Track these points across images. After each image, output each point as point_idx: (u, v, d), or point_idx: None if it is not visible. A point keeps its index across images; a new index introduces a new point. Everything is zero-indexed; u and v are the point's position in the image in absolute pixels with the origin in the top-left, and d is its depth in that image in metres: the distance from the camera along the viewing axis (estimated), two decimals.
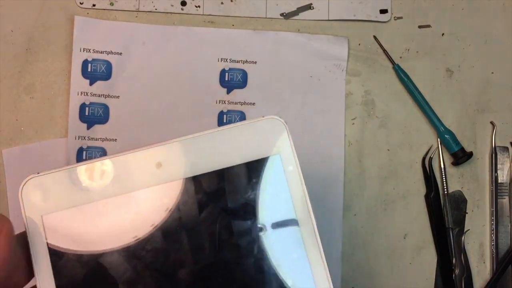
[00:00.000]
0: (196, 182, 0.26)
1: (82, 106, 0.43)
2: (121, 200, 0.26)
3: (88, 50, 0.44)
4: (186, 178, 0.26)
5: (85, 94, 0.43)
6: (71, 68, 0.43)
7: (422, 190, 0.45)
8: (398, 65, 0.45)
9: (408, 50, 0.46)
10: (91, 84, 0.43)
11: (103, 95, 0.43)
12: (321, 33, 0.45)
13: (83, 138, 0.43)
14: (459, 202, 0.45)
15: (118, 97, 0.44)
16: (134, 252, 0.25)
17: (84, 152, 0.43)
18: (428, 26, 0.46)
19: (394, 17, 0.46)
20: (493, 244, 0.44)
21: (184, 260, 0.25)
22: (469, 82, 0.46)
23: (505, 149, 0.45)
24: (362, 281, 0.43)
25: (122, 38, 0.44)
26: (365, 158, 0.45)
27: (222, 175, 0.26)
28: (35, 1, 0.44)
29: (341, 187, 0.44)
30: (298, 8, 0.45)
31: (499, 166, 0.45)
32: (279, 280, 0.26)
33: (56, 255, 0.25)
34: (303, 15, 0.45)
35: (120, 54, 0.44)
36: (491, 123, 0.45)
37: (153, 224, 0.26)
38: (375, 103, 0.45)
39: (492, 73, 0.46)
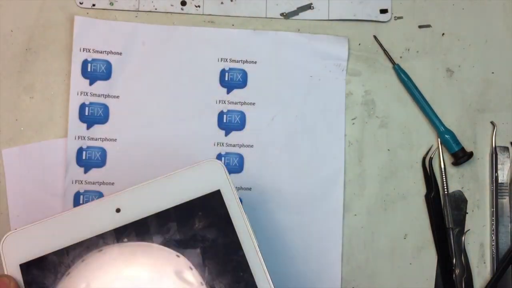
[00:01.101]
0: (150, 220, 0.31)
1: (82, 106, 0.43)
2: (86, 242, 0.30)
3: (88, 50, 0.44)
4: (142, 218, 0.31)
5: (85, 94, 0.43)
6: (71, 68, 0.43)
7: (422, 190, 0.45)
8: (398, 65, 0.45)
9: (408, 50, 0.46)
10: (91, 84, 0.43)
11: (103, 95, 0.43)
12: (321, 33, 0.45)
13: (83, 138, 0.43)
14: (459, 202, 0.45)
15: (118, 97, 0.44)
16: (105, 284, 0.30)
17: (84, 152, 0.43)
18: (429, 26, 0.46)
19: (394, 17, 0.46)
20: (494, 244, 0.44)
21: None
22: (470, 82, 0.46)
23: (505, 149, 0.45)
24: (362, 281, 0.43)
25: (122, 38, 0.44)
26: (365, 158, 0.45)
27: (172, 213, 0.31)
28: (35, 1, 0.44)
29: (341, 187, 0.44)
30: (298, 8, 0.45)
31: (499, 166, 0.45)
32: None
33: None
34: (303, 15, 0.45)
35: (120, 54, 0.44)
36: (492, 123, 0.45)
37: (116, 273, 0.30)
38: (375, 103, 0.45)
39: (493, 73, 0.46)
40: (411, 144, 0.45)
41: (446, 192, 0.44)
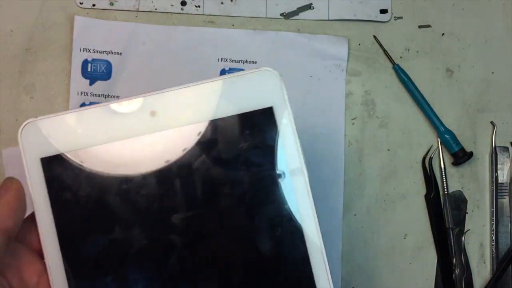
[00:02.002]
0: (189, 132, 0.26)
1: (82, 106, 0.43)
2: (116, 146, 0.26)
3: (88, 50, 0.44)
4: (180, 128, 0.26)
5: (85, 94, 0.43)
6: (71, 68, 0.43)
7: (422, 190, 0.45)
8: (398, 65, 0.45)
9: (408, 50, 0.46)
10: (91, 84, 0.43)
11: (103, 95, 0.43)
12: (321, 33, 0.45)
13: None
14: (459, 202, 0.45)
15: (118, 97, 0.44)
16: (129, 197, 0.26)
17: None
18: (428, 26, 0.46)
19: (394, 17, 0.46)
20: (493, 244, 0.44)
21: (177, 206, 0.26)
22: (469, 82, 0.46)
23: (505, 149, 0.45)
24: (362, 281, 0.43)
25: (122, 38, 0.44)
26: (365, 158, 0.45)
27: (215, 126, 0.26)
28: (35, 1, 0.44)
29: (341, 187, 0.44)
30: (298, 8, 0.45)
31: (499, 166, 0.45)
32: (268, 230, 0.26)
33: (55, 196, 0.26)
34: (303, 15, 0.45)
35: (120, 54, 0.44)
36: (491, 123, 0.45)
37: (147, 170, 0.26)
38: (375, 103, 0.45)
39: (493, 73, 0.46)
40: (411, 144, 0.45)
41: (446, 192, 0.44)
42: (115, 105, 0.26)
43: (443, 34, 0.46)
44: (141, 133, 0.26)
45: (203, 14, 0.45)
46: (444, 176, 0.44)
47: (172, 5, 0.45)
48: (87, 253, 0.26)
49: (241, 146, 0.26)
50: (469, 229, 0.44)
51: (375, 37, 0.46)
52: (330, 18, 0.45)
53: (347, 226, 0.44)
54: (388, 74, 0.45)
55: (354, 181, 0.44)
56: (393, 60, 0.45)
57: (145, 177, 0.26)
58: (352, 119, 0.45)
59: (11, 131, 0.43)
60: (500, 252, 0.44)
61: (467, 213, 0.45)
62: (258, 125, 0.27)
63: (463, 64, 0.46)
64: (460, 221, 0.44)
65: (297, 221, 0.26)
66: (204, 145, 0.26)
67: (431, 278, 0.44)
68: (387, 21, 0.46)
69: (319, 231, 0.27)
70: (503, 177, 0.45)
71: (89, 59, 0.43)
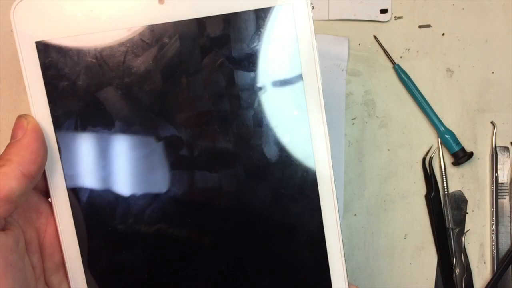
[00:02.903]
0: (200, 24, 0.24)
1: None
2: (120, 34, 0.24)
3: None
4: (190, 19, 0.24)
5: None
6: None
7: (423, 190, 0.45)
8: (398, 65, 0.45)
9: (408, 50, 0.46)
10: None
11: None
12: (321, 33, 0.45)
13: None
14: (459, 202, 0.45)
15: None
16: (131, 91, 0.24)
17: None
18: (429, 25, 0.46)
19: (394, 17, 0.46)
20: (494, 245, 0.44)
21: (182, 105, 0.24)
22: (470, 82, 0.46)
23: (506, 149, 0.45)
24: (362, 281, 0.43)
25: None
26: (365, 158, 0.45)
27: (228, 20, 0.24)
28: None
29: (341, 187, 0.44)
30: None
31: (499, 166, 0.45)
32: (276, 135, 0.25)
33: (52, 84, 0.24)
34: None
35: None
36: (492, 123, 0.45)
37: (152, 63, 0.24)
38: (375, 103, 0.45)
39: (493, 73, 0.46)
40: (411, 144, 0.45)
41: (446, 192, 0.44)
42: None
43: (443, 34, 0.46)
44: (148, 21, 0.24)
45: None
46: (444, 176, 0.44)
47: None
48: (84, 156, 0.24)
49: (254, 45, 0.24)
50: (469, 229, 0.44)
51: (375, 37, 0.46)
52: (330, 18, 0.45)
53: (347, 226, 0.44)
54: (388, 74, 0.45)
55: (354, 181, 0.44)
56: (393, 60, 0.45)
57: (149, 71, 0.24)
58: (352, 119, 0.45)
59: (10, 131, 0.43)
60: (500, 252, 0.44)
61: (467, 213, 0.45)
62: (274, 23, 0.24)
63: (463, 64, 0.46)
64: (460, 221, 0.44)
65: (306, 128, 0.25)
66: (215, 40, 0.24)
67: (431, 278, 0.44)
68: (387, 21, 0.46)
69: (328, 139, 0.25)
70: (503, 177, 0.45)
71: None
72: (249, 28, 0.24)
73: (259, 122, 0.25)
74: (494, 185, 0.44)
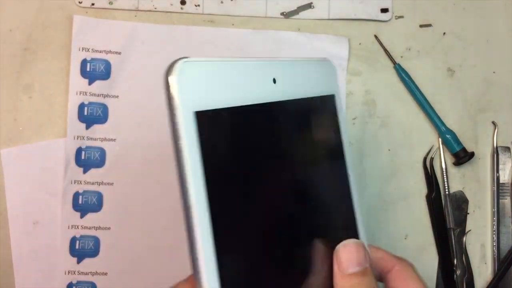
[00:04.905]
0: (305, 104, 0.27)
1: (81, 106, 0.43)
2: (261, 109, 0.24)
3: (87, 50, 0.43)
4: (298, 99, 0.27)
5: (84, 93, 0.43)
6: (70, 68, 0.43)
7: (423, 190, 0.44)
8: (399, 65, 0.45)
9: (409, 49, 0.46)
10: (90, 83, 0.43)
11: (102, 94, 0.43)
12: (321, 32, 0.45)
13: (82, 138, 0.43)
14: (460, 202, 0.44)
15: (117, 96, 0.43)
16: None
17: (83, 152, 0.42)
18: (429, 25, 0.46)
19: (395, 16, 0.46)
20: (495, 245, 0.44)
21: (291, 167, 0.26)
22: (471, 81, 0.46)
23: (507, 149, 0.45)
24: None
25: (121, 38, 0.44)
26: (366, 158, 0.44)
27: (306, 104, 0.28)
28: (34, 0, 0.44)
29: None
30: (298, 7, 0.45)
31: (500, 166, 0.44)
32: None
33: (209, 158, 0.21)
34: (303, 14, 0.45)
35: (119, 53, 0.44)
36: (493, 123, 0.45)
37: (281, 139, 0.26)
38: (376, 103, 0.45)
39: (494, 72, 0.46)
40: (412, 144, 0.45)
41: (447, 192, 0.44)
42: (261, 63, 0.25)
43: (444, 33, 0.46)
44: (269, 99, 0.25)
45: (202, 14, 0.45)
46: (445, 176, 0.44)
47: (171, 4, 0.44)
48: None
49: (308, 127, 0.28)
50: (470, 230, 0.44)
51: (375, 36, 0.45)
52: (330, 18, 0.45)
53: None
54: (389, 73, 0.45)
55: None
56: (394, 60, 0.45)
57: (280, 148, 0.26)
58: (353, 119, 0.45)
59: (10, 131, 0.43)
60: (502, 252, 0.44)
61: (468, 213, 0.44)
62: (325, 108, 0.29)
63: (464, 63, 0.46)
64: (461, 222, 0.44)
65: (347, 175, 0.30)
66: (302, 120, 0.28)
67: (432, 279, 0.44)
68: (388, 20, 0.46)
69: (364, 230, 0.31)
70: (504, 177, 0.44)
71: (88, 58, 0.43)
72: (305, 111, 0.28)
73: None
74: (495, 185, 0.44)
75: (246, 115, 0.23)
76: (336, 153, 0.30)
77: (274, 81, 0.25)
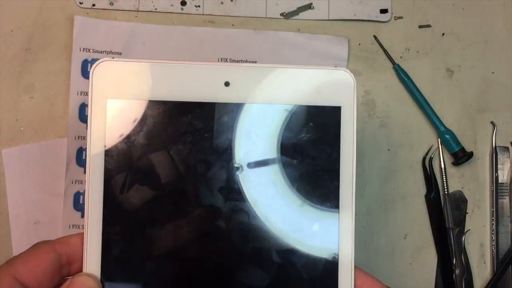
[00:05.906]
0: (255, 109, 0.27)
1: (82, 106, 0.43)
2: (182, 106, 0.27)
3: (87, 50, 0.44)
4: (254, 103, 0.27)
5: (85, 94, 0.43)
6: (70, 68, 0.43)
7: (423, 190, 0.45)
8: (398, 65, 0.45)
9: (409, 50, 0.46)
10: None
11: None
12: (321, 33, 0.45)
13: (83, 138, 0.43)
14: (459, 202, 0.45)
15: None
16: (181, 159, 0.27)
17: (84, 152, 0.43)
18: (429, 26, 0.46)
19: (395, 17, 0.46)
20: (494, 245, 0.44)
21: (226, 173, 0.27)
22: (470, 82, 0.46)
23: (506, 149, 0.45)
24: None
25: (121, 38, 0.44)
26: (365, 158, 0.45)
27: (284, 111, 0.27)
28: (35, 1, 0.44)
29: None
30: (298, 8, 0.45)
31: (499, 166, 0.45)
32: (307, 223, 0.27)
33: (112, 137, 0.26)
34: (303, 15, 0.45)
35: (120, 54, 0.44)
36: (492, 123, 0.45)
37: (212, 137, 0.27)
38: (375, 103, 0.45)
39: (493, 73, 0.46)
40: (411, 144, 0.45)
41: (446, 192, 0.44)
42: (194, 66, 0.28)
43: (443, 34, 0.46)
44: (213, 99, 0.27)
45: (203, 14, 0.45)
46: (444, 176, 0.44)
47: (172, 5, 0.45)
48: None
49: (301, 136, 0.27)
50: (469, 229, 0.44)
51: (375, 37, 0.46)
52: (330, 18, 0.45)
53: None
54: (388, 74, 0.45)
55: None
56: (393, 60, 0.45)
57: (203, 143, 0.27)
58: None
59: (11, 131, 0.43)
60: (500, 252, 0.44)
61: (467, 213, 0.45)
62: (323, 121, 0.27)
63: (463, 64, 0.46)
64: (460, 221, 0.44)
65: (337, 221, 0.27)
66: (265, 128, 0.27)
67: (431, 278, 0.44)
68: (387, 21, 0.46)
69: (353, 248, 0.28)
70: (503, 177, 0.45)
71: (89, 59, 0.43)
72: (300, 121, 0.27)
73: (295, 210, 0.27)
74: (494, 185, 0.44)
75: (169, 109, 0.27)
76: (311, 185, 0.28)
77: (227, 84, 0.27)
